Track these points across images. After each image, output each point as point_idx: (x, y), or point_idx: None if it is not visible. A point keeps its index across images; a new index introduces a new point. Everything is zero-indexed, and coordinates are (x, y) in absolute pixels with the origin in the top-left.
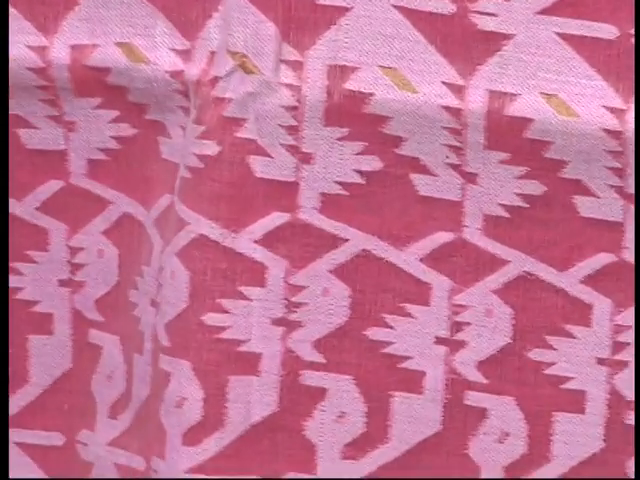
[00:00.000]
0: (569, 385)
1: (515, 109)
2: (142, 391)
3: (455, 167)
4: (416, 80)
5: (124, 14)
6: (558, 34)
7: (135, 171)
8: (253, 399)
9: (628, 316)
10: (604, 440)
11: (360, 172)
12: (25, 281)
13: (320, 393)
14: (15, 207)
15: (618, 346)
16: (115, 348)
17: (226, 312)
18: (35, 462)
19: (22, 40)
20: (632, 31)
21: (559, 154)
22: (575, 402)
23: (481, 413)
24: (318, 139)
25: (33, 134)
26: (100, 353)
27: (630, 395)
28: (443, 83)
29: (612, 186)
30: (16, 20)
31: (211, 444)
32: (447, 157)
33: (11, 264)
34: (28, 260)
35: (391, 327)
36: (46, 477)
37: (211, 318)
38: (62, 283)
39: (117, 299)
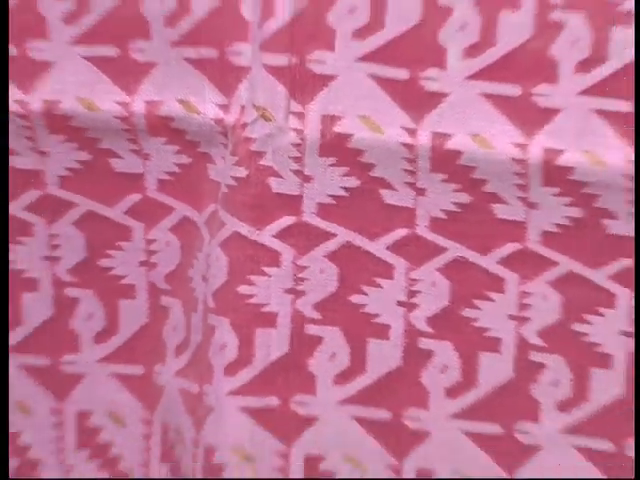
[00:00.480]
0: (490, 334)
1: (451, 144)
2: (196, 338)
3: (410, 184)
4: (383, 125)
5: (183, 79)
6: (480, 93)
7: (191, 187)
8: (272, 344)
9: (531, 286)
10: (514, 372)
11: (345, 188)
12: (116, 262)
13: (318, 340)
14: (109, 212)
15: (523, 306)
16: (178, 309)
17: (253, 285)
18: (126, 388)
19: (112, 98)
20: (533, 90)
21: (481, 175)
22: (494, 345)
23: (429, 353)
24: (315, 165)
25: (120, 162)
26: (168, 312)
27: (532, 338)
28: (401, 127)
29: (518, 197)
30: (107, 84)
31: (243, 375)
32: (405, 178)
33: (106, 251)
34: (118, 248)
35: (366, 294)
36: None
37: (243, 289)
38: (141, 264)
39: (180, 275)
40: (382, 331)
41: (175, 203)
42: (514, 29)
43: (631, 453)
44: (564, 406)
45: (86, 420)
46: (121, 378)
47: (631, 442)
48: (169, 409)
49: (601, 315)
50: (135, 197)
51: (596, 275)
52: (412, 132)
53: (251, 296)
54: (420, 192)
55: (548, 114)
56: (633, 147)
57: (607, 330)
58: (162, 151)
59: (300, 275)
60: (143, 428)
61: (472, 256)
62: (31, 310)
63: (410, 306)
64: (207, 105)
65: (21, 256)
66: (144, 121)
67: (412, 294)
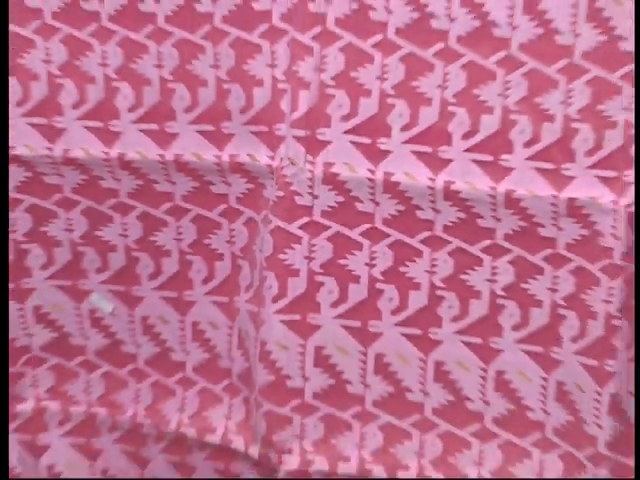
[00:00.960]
0: (416, 280)
1: (394, 178)
2: (256, 282)
3: (372, 200)
4: (357, 168)
5: (249, 143)
6: (410, 151)
7: (254, 201)
8: (296, 287)
9: (436, 255)
10: (427, 300)
11: (336, 202)
12: (214, 241)
13: (321, 284)
14: (210, 214)
15: (434, 266)
16: (247, 267)
17: (286, 254)
18: (219, 309)
19: (211, 153)
20: (438, 149)
21: (410, 194)
22: (417, 286)
23: (382, 291)
24: (320, 190)
25: (215, 187)
26: (241, 268)
27: (438, 282)
28: (367, 169)
29: (430, 207)
30: (209, 147)
31: (280, 303)
32: (369, 197)
33: (208, 235)
34: (214, 234)
35: (347, 259)
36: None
37: (281, 256)
38: (227, 242)
39: (248, 248)
40: (356, 279)
41: (245, 210)
42: (429, 116)
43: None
44: (517, 327)
45: (197, 326)
46: (217, 304)
47: (556, 348)
48: (242, 320)
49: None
50: (223, 206)
51: (471, 249)
52: (372, 172)
53: (285, 260)
54: (377, 204)
55: (446, 162)
56: (492, 180)
57: (542, 286)
58: (238, 182)
59: (312, 249)
60: (228, 331)
61: (406, 239)
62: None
63: (371, 266)
64: (262, 157)
65: (162, 239)
66: (228, 165)
67: (372, 259)
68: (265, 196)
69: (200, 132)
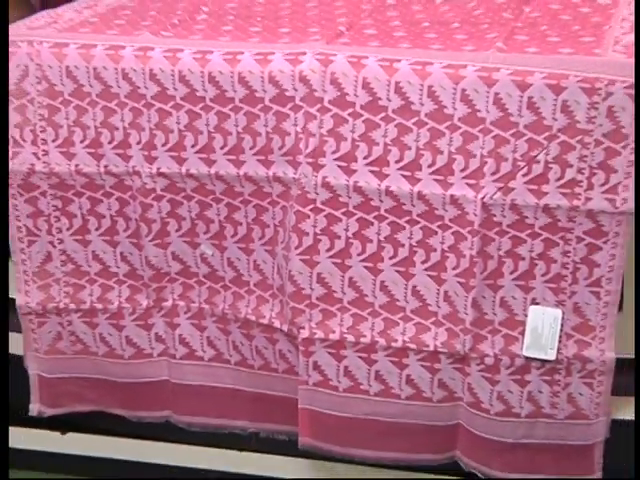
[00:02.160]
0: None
1: (359, 184)
2: (287, 238)
3: (347, 195)
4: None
5: (283, 164)
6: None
7: (286, 196)
8: (307, 239)
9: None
10: None
11: (328, 197)
12: (265, 218)
13: (319, 239)
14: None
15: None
16: (282, 230)
17: (301, 224)
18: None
19: None
20: None
21: (367, 192)
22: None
23: (351, 244)
24: (320, 190)
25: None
26: (279, 232)
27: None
28: (345, 179)
29: (379, 200)
30: None
31: (299, 249)
32: (346, 193)
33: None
34: (265, 213)
35: (333, 226)
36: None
37: (299, 225)
38: (272, 218)
39: (283, 222)
40: (338, 237)
41: (280, 201)
42: (377, 151)
43: None
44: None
45: (256, 262)
46: (267, 250)
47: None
48: (279, 258)
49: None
50: (269, 199)
51: (396, 218)
52: (347, 181)
53: (301, 227)
54: (350, 198)
55: (386, 176)
56: None
57: None
58: (277, 186)
59: (315, 222)
60: (272, 264)
61: (364, 215)
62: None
63: (346, 230)
64: (290, 173)
65: (237, 216)
66: (272, 177)
67: (347, 227)
68: (291, 193)
69: (258, 160)
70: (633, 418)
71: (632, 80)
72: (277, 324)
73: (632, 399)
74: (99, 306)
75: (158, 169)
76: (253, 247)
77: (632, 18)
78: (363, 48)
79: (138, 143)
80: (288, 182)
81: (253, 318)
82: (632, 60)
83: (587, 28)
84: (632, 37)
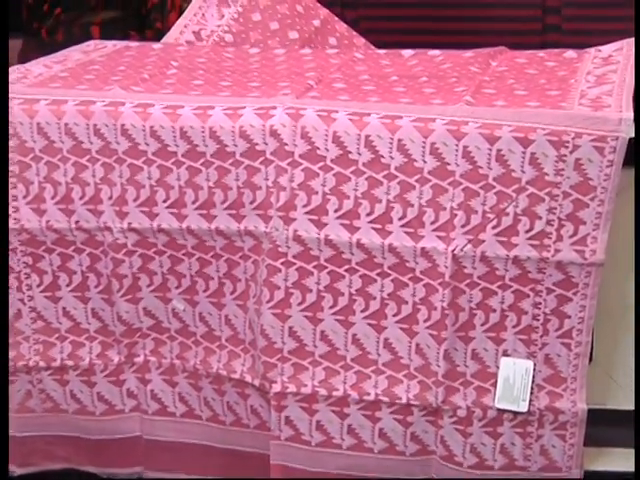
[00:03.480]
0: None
1: (329, 237)
2: (258, 292)
3: (318, 249)
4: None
5: (254, 218)
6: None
7: (258, 250)
8: (279, 293)
9: None
10: None
11: (299, 250)
12: (237, 273)
13: (291, 293)
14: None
15: None
16: (254, 284)
17: (273, 277)
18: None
19: None
20: None
21: (338, 245)
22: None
23: (322, 298)
24: (291, 244)
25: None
26: (250, 286)
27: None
28: (316, 233)
29: (349, 252)
30: None
31: (270, 303)
32: (317, 246)
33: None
34: (236, 268)
35: (305, 279)
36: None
37: (271, 278)
38: (243, 272)
39: (254, 276)
40: (309, 290)
41: (252, 255)
42: (348, 205)
43: None
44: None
45: (228, 316)
46: (238, 305)
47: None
48: (251, 313)
49: None
50: (241, 253)
51: (366, 271)
52: (318, 234)
53: (273, 280)
54: (321, 251)
55: (356, 229)
56: None
57: None
58: (249, 240)
59: (287, 275)
60: (243, 319)
61: (336, 269)
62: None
63: (317, 283)
64: (261, 227)
65: (209, 270)
66: (244, 231)
67: (318, 280)
68: (263, 247)
69: (229, 214)
70: (605, 469)
71: (599, 133)
72: (249, 379)
73: (604, 450)
74: (70, 363)
75: (129, 224)
76: (225, 301)
77: (597, 72)
78: (333, 102)
79: (109, 198)
80: (259, 236)
81: (225, 373)
82: (599, 113)
83: (553, 82)
84: (598, 90)
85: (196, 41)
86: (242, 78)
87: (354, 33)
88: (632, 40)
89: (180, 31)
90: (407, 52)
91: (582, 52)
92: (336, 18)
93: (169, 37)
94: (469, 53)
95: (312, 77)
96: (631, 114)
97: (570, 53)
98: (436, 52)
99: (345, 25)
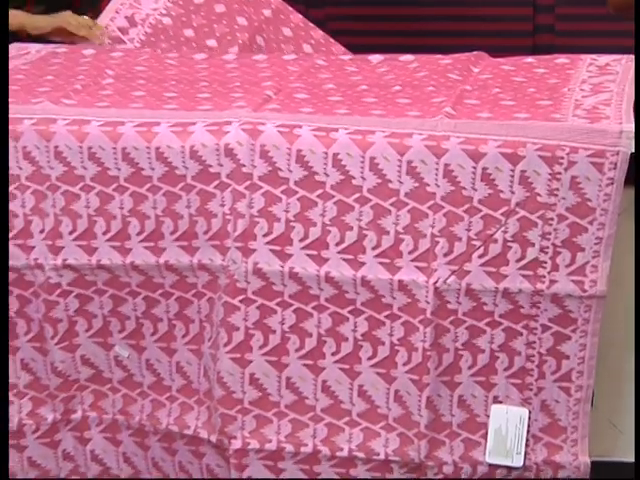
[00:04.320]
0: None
1: (294, 270)
2: (214, 335)
3: (282, 284)
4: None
5: (209, 250)
6: None
7: (213, 286)
8: (238, 335)
9: None
10: None
11: (261, 285)
12: (189, 313)
13: (252, 334)
14: None
15: None
16: (209, 326)
17: (231, 317)
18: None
19: None
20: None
21: (304, 280)
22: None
23: (288, 339)
24: (251, 278)
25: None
26: (205, 328)
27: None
28: (279, 265)
29: (317, 288)
30: None
31: (228, 347)
32: (280, 281)
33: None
34: (189, 307)
35: (266, 318)
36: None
37: (228, 318)
38: (197, 312)
39: (210, 316)
40: (273, 331)
41: (207, 292)
42: (315, 232)
43: None
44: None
45: (179, 364)
46: (191, 350)
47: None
48: (206, 359)
49: None
50: (194, 290)
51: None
52: (282, 267)
53: (230, 321)
54: (285, 286)
55: (325, 260)
56: None
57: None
58: (203, 275)
59: (246, 314)
60: (197, 366)
61: (302, 306)
62: None
63: (282, 323)
64: (217, 260)
65: (157, 312)
66: (197, 265)
67: (283, 319)
68: (219, 283)
69: (180, 246)
70: None
71: (597, 147)
72: (204, 434)
73: None
74: None
75: (64, 260)
76: (175, 346)
77: (593, 80)
78: (295, 115)
79: (41, 232)
80: (215, 270)
81: (176, 429)
82: (597, 125)
83: (544, 90)
84: (594, 100)
85: (130, 27)
86: (189, 88)
87: (311, 25)
88: (632, 57)
89: (111, 17)
90: (376, 57)
91: (575, 58)
92: (291, 9)
93: (100, 21)
94: (446, 59)
95: (270, 87)
96: (632, 126)
97: (562, 59)
98: (409, 57)
99: (301, 16)
